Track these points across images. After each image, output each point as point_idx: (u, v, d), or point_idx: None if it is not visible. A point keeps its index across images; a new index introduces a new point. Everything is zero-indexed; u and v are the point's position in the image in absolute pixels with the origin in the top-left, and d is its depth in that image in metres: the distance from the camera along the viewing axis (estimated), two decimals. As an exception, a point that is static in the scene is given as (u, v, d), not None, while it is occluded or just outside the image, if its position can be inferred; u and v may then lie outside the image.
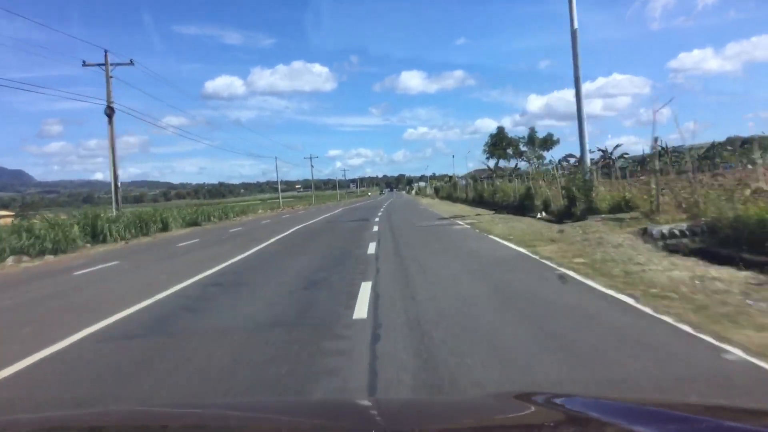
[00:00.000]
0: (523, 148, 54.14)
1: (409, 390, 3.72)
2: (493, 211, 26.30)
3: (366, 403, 2.60)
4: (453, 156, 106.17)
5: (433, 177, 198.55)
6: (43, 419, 1.97)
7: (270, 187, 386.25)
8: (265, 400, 3.53)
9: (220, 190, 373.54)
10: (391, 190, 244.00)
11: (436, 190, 75.67)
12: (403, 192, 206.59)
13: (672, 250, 9.35)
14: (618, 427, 1.35)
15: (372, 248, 12.91)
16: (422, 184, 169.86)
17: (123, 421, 1.80)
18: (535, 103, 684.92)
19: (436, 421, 1.64)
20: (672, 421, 1.38)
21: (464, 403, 2.35)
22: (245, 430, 1.68)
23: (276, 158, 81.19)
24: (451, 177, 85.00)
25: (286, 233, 21.15)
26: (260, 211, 51.61)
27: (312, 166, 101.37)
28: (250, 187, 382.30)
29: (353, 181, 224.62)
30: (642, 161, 49.25)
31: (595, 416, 1.47)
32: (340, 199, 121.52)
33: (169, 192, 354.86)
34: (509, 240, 12.78)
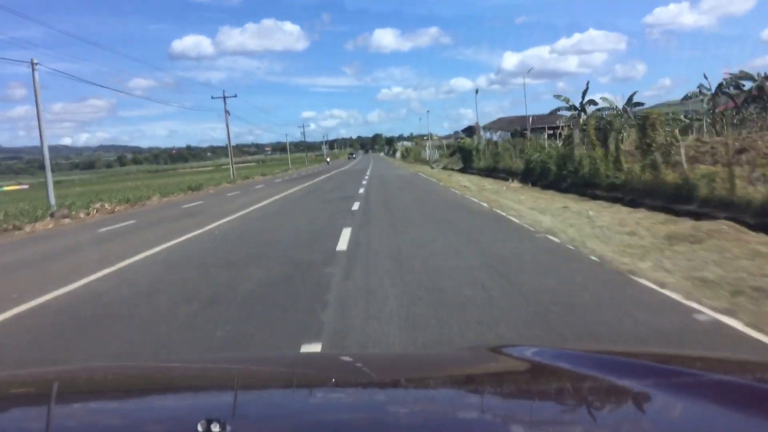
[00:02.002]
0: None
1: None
2: None
3: (346, 357, 2.51)
4: (477, 91, 59.22)
5: (412, 137, 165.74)
6: (33, 374, 2.01)
7: (239, 150, 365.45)
8: (253, 354, 3.75)
9: (183, 155, 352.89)
10: (366, 151, 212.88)
11: (464, 156, 36.62)
12: (381, 154, 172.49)
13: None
14: (590, 377, 1.36)
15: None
16: (408, 144, 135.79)
17: (117, 374, 1.83)
18: (510, 60, 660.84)
19: (414, 372, 1.69)
20: (649, 374, 1.35)
21: (441, 356, 2.48)
22: (224, 378, 1.72)
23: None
24: (471, 129, 53.27)
25: None
26: None
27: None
28: (217, 151, 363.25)
29: (326, 142, 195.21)
30: None
31: (566, 366, 1.48)
32: (287, 167, 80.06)
33: (125, 157, 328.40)
34: None
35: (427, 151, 59.70)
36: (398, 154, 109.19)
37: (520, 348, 1.87)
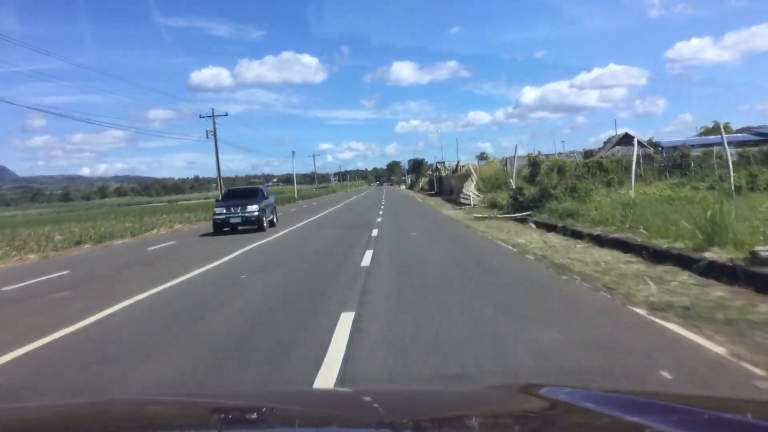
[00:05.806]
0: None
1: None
2: None
3: (369, 394, 2.35)
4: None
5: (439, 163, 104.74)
6: (46, 408, 2.00)
7: (247, 181, 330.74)
8: (268, 391, 3.60)
9: (180, 186, 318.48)
10: (380, 184, 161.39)
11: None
12: (402, 187, 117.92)
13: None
14: (617, 418, 1.36)
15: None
16: (457, 161, 74.72)
17: (124, 410, 1.80)
18: (529, 95, 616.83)
19: (439, 412, 1.63)
20: (672, 413, 1.36)
21: (467, 394, 2.35)
22: (247, 420, 1.67)
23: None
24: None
25: None
26: None
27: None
28: (223, 183, 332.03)
29: (336, 174, 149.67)
30: None
31: (594, 408, 1.45)
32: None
33: (107, 188, 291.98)
34: None
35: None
36: (473, 190, 40.31)
37: (551, 388, 1.78)
